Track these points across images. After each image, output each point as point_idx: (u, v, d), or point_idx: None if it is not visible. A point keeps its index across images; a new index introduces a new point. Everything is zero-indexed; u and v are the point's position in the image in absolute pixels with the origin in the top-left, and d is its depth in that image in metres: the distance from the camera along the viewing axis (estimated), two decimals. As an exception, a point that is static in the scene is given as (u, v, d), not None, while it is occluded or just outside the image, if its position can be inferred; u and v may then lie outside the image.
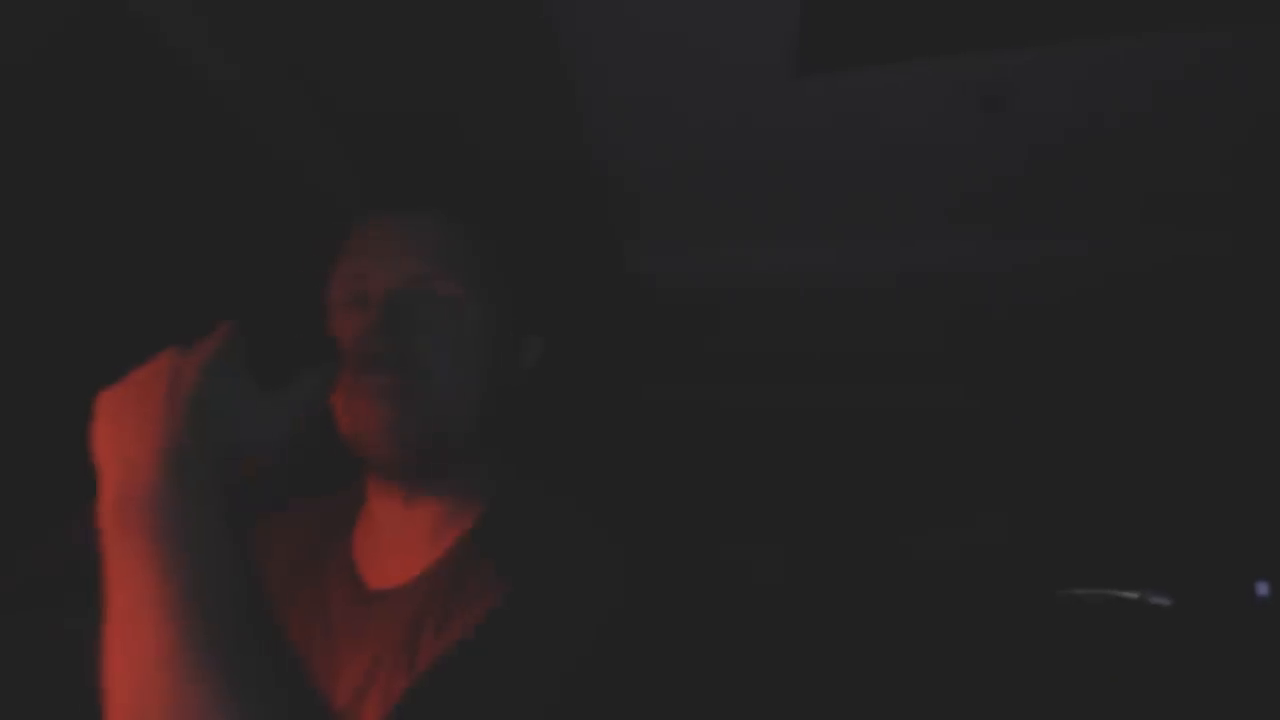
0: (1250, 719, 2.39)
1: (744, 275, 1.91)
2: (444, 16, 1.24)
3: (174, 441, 0.55)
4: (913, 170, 1.51)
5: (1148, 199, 1.61)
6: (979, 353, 2.42)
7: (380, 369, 0.71)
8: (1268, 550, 2.72)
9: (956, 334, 2.27)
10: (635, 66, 1.32)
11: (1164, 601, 2.80)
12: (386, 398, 0.71)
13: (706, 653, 2.46)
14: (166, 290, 1.26)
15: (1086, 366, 2.48)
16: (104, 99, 1.12)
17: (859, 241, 1.78)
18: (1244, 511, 2.71)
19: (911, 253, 1.77)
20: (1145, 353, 2.36)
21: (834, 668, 2.75)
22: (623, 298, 2.08)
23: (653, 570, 0.72)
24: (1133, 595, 2.83)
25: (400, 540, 0.79)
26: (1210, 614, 2.72)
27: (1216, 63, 1.19)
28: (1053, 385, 2.61)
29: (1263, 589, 2.72)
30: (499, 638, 0.63)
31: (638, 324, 2.28)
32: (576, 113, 1.44)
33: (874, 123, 1.36)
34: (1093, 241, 1.73)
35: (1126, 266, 1.85)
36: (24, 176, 1.05)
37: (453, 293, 0.74)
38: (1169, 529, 2.84)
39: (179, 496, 0.54)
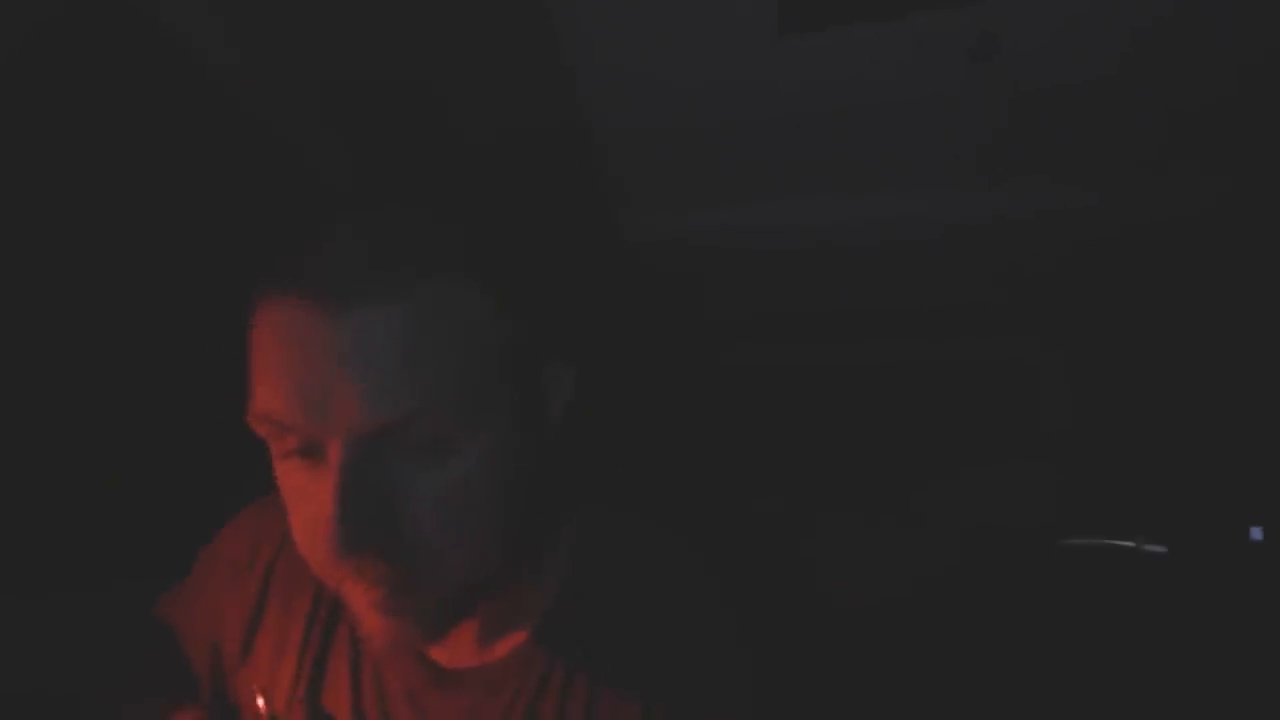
0: (1246, 659, 2.44)
1: (739, 236, 1.93)
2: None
3: None
4: (904, 124, 1.51)
5: (1142, 147, 1.61)
6: (979, 307, 2.44)
7: (369, 581, 0.52)
8: (1262, 496, 2.76)
9: (957, 288, 2.28)
10: (620, 32, 1.33)
11: (1159, 550, 2.85)
12: (388, 612, 0.54)
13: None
14: (162, 273, 1.27)
15: (1079, 316, 2.51)
16: (97, 78, 1.13)
17: (855, 198, 1.79)
18: (1238, 459, 2.75)
19: (907, 206, 1.78)
20: (1137, 302, 2.38)
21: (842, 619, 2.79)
22: (619, 263, 2.09)
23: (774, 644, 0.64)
24: (1129, 544, 2.87)
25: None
26: (1206, 558, 2.78)
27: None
28: (1046, 337, 2.65)
29: (1256, 533, 2.77)
30: None
31: (636, 287, 2.30)
32: (567, 81, 1.45)
33: (861, 78, 1.37)
34: (1084, 192, 1.74)
35: (1114, 219, 1.86)
36: (20, 161, 1.06)
37: (442, 427, 0.50)
38: (1165, 477, 2.88)
39: None
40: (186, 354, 1.21)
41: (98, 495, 1.11)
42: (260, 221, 1.37)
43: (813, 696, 0.66)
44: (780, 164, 1.68)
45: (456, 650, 0.65)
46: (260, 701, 0.69)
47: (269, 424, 0.51)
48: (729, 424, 3.15)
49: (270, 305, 0.50)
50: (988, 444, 3.01)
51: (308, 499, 0.52)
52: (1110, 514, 2.90)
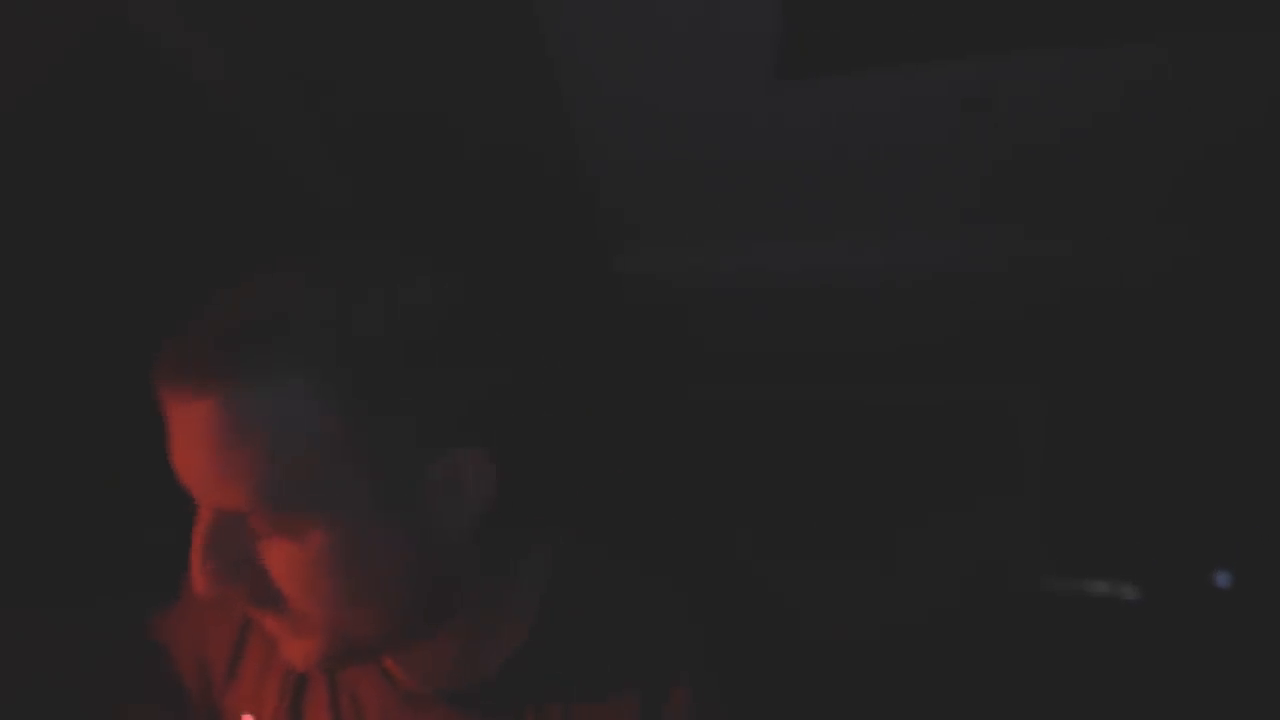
0: (1212, 703, 2.46)
1: (730, 274, 1.94)
2: (435, 17, 1.26)
3: None
4: (896, 170, 1.55)
5: (1127, 199, 1.66)
6: (958, 350, 2.48)
7: (251, 608, 0.54)
8: (1227, 542, 2.81)
9: (939, 331, 2.31)
10: (621, 71, 1.35)
11: (1132, 593, 2.88)
12: (279, 638, 0.56)
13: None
14: (161, 293, 1.26)
15: (1054, 364, 2.55)
16: (108, 110, 1.13)
17: (844, 240, 1.81)
18: (1204, 505, 2.80)
19: (892, 251, 1.81)
20: (1110, 350, 2.43)
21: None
22: (610, 300, 2.10)
23: (740, 665, 0.63)
24: (1102, 587, 2.90)
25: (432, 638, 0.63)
26: (1173, 603, 2.81)
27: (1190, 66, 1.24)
28: (1023, 382, 2.69)
29: (1223, 579, 2.81)
30: None
31: (626, 325, 2.31)
32: (564, 115, 1.47)
33: (856, 124, 1.40)
34: (1064, 243, 1.78)
35: (1093, 269, 1.90)
36: (29, 184, 1.06)
37: (273, 519, 0.50)
38: (1133, 522, 2.92)
39: None
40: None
41: (96, 508, 1.10)
42: (258, 234, 1.37)
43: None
44: (770, 206, 1.70)
45: (430, 676, 0.64)
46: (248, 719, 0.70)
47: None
48: (706, 460, 3.16)
49: None
50: (965, 487, 3.04)
51: None
52: (1085, 556, 2.93)
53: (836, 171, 1.56)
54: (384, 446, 0.52)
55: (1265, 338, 2.16)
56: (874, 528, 3.09)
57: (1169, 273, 1.90)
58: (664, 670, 0.61)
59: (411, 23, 1.27)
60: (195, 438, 0.49)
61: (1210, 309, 2.07)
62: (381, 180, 1.56)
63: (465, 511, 0.56)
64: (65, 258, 1.11)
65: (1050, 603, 2.91)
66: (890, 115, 1.36)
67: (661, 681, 0.61)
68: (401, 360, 0.51)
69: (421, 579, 0.56)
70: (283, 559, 0.51)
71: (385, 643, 0.58)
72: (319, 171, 1.50)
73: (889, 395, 2.86)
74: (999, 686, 2.65)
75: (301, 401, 0.49)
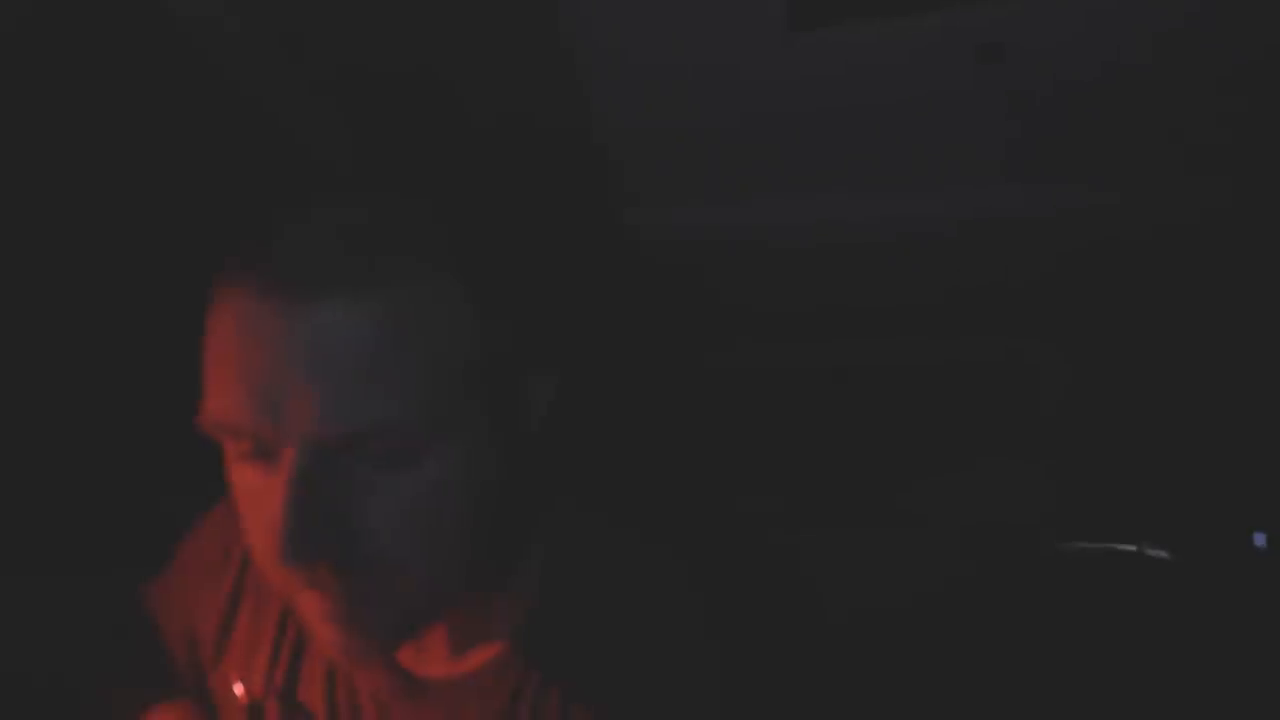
0: (1248, 667, 2.44)
1: (739, 232, 1.92)
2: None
3: None
4: (910, 122, 1.51)
5: (1149, 149, 1.61)
6: (981, 306, 2.44)
7: (318, 589, 0.49)
8: (1265, 502, 2.75)
9: (959, 286, 2.28)
10: (630, 24, 1.32)
11: (1162, 554, 2.84)
12: (342, 623, 0.50)
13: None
14: (159, 259, 1.26)
15: (1081, 317, 2.50)
16: (93, 58, 1.11)
17: (859, 196, 1.78)
18: (1241, 464, 2.74)
19: (911, 205, 1.78)
20: (1142, 305, 2.37)
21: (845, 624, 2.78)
22: (620, 260, 2.09)
23: (740, 632, 0.61)
24: (1130, 548, 2.86)
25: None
26: (1208, 564, 2.77)
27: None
28: (1050, 339, 2.64)
29: (1260, 540, 2.76)
30: None
31: (637, 285, 2.30)
32: (573, 72, 1.44)
33: (869, 76, 1.36)
34: (1088, 193, 1.73)
35: (1118, 220, 1.85)
36: (20, 146, 1.05)
37: (408, 439, 0.46)
38: (1166, 481, 2.87)
39: None
40: (172, 338, 1.21)
41: (83, 480, 1.11)
42: (253, 204, 1.36)
43: (799, 708, 0.63)
44: (785, 160, 1.67)
45: (427, 659, 0.63)
46: (239, 689, 0.68)
47: (219, 429, 0.47)
48: (723, 422, 3.14)
49: (227, 293, 0.46)
50: (987, 444, 3.00)
51: (260, 504, 0.48)
52: (1111, 517, 2.89)
53: (851, 124, 1.51)
54: (497, 358, 0.50)
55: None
56: (891, 490, 3.06)
57: (1198, 226, 1.84)
58: (663, 644, 0.59)
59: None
60: (336, 348, 0.43)
61: (1243, 263, 2.01)
62: (385, 139, 1.55)
63: (532, 429, 0.56)
64: (66, 232, 1.11)
65: (1079, 566, 2.88)
66: (904, 65, 1.32)
67: (661, 656, 0.59)
68: (505, 264, 0.51)
69: (497, 507, 0.54)
70: (392, 493, 0.47)
71: (450, 602, 0.55)
72: (323, 134, 1.50)
73: (910, 352, 2.82)
74: (1023, 651, 2.64)
75: (459, 304, 0.47)
